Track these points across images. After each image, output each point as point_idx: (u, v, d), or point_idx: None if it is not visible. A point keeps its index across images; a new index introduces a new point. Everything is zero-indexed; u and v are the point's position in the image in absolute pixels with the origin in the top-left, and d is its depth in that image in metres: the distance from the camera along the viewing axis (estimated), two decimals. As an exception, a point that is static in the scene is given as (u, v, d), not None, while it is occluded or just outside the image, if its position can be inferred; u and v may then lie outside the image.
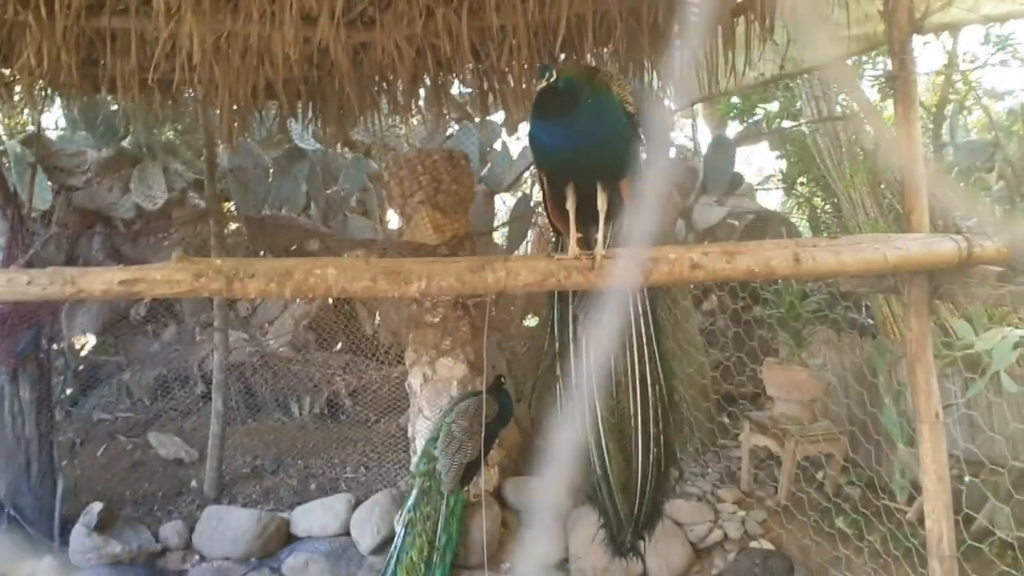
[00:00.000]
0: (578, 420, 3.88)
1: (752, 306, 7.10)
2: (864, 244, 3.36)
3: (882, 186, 6.99)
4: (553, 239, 3.83)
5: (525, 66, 4.86)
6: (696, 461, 6.68)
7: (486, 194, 8.15)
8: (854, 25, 4.33)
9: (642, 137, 3.28)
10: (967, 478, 4.45)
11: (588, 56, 4.81)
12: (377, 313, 8.51)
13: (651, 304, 3.65)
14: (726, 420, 7.05)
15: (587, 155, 3.08)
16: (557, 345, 3.89)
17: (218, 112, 5.26)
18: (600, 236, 3.20)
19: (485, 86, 5.29)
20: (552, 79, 2.92)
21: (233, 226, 7.47)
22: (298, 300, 8.12)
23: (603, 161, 3.14)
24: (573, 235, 3.24)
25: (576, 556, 5.44)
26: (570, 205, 3.25)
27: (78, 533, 5.37)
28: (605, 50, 4.96)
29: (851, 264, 3.31)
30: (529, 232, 8.27)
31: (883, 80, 7.52)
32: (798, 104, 8.34)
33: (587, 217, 3.31)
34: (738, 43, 4.56)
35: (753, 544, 5.46)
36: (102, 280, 2.86)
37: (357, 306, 8.25)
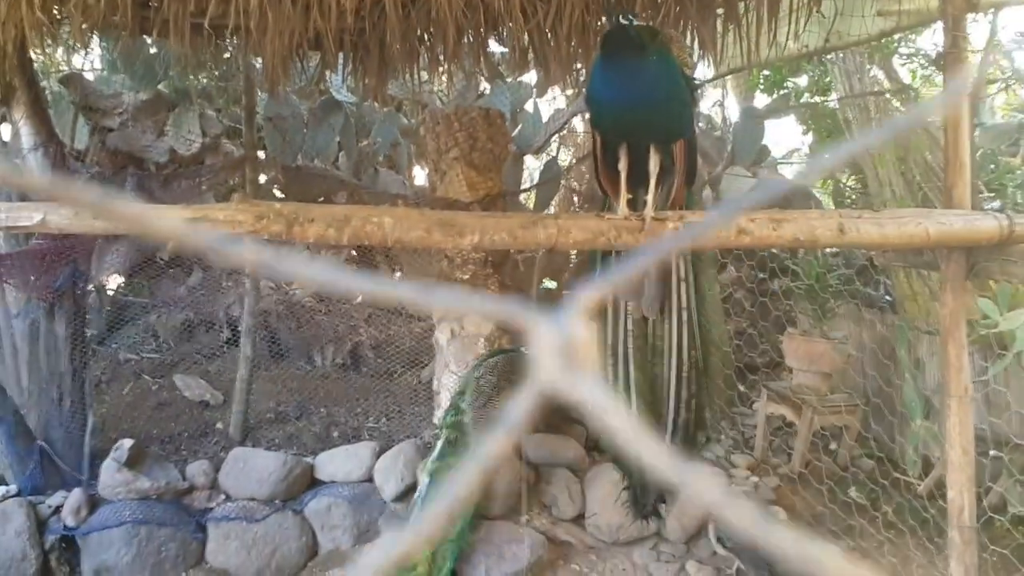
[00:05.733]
0: (610, 381, 3.97)
1: (776, 277, 7.16)
2: (907, 218, 3.42)
3: (911, 165, 7.01)
4: (579, 200, 3.88)
5: (570, 28, 4.87)
6: (711, 427, 6.79)
7: (515, 155, 8.17)
8: (906, 0, 4.34)
9: (698, 101, 3.34)
10: (991, 452, 4.55)
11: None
12: (398, 268, 8.59)
13: (694, 269, 3.73)
14: (743, 388, 7.14)
15: (645, 113, 3.12)
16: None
17: (261, 60, 5.30)
18: (650, 198, 3.26)
19: (526, 44, 5.30)
20: (631, 21, 2.95)
21: (262, 178, 7.55)
22: (321, 251, 8.20)
23: (659, 121, 3.19)
24: (624, 196, 3.29)
25: (592, 512, 5.56)
26: (622, 166, 3.30)
27: (108, 468, 5.48)
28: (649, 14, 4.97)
29: (893, 237, 3.37)
30: (555, 197, 8.31)
31: (918, 59, 7.50)
32: (828, 79, 8.33)
33: (637, 179, 3.36)
34: (782, 13, 4.58)
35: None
36: (168, 217, 2.93)
37: (380, 260, 8.33)
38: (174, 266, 8.13)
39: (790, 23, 4.54)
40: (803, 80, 9.16)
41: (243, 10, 4.10)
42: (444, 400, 5.78)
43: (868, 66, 7.26)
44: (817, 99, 8.65)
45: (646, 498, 4.08)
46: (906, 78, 8.17)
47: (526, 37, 5.22)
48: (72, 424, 5.69)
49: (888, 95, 7.29)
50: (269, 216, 2.97)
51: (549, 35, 5.15)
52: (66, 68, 7.19)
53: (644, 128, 3.21)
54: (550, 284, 8.20)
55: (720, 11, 4.87)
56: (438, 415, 5.86)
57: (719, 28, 4.98)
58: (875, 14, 4.55)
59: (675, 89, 3.15)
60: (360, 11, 4.76)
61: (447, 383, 5.88)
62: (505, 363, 5.26)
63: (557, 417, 6.42)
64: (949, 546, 3.70)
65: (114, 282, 8.10)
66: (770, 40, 4.68)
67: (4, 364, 5.83)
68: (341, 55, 5.52)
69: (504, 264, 6.14)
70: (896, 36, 6.76)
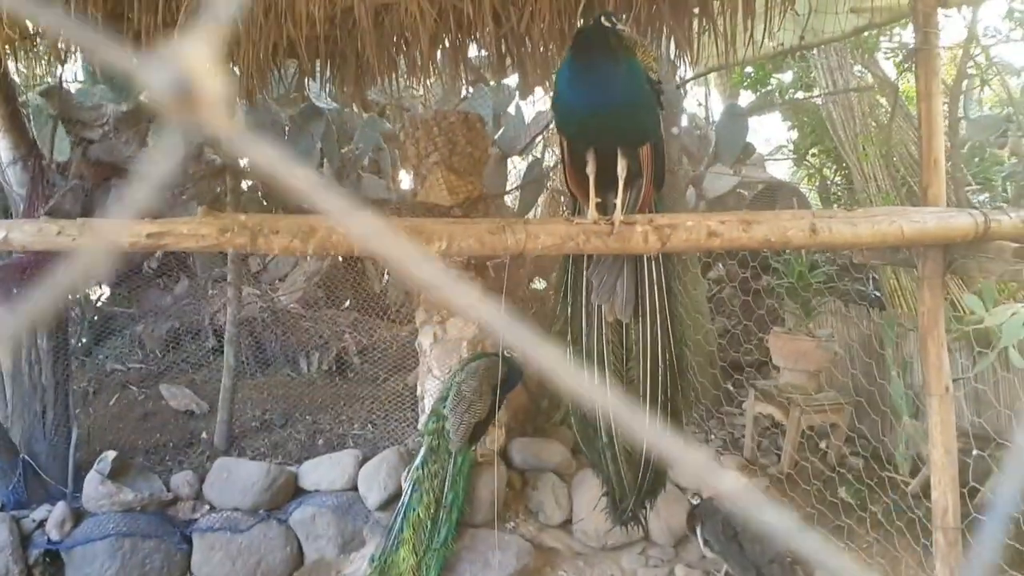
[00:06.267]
0: (586, 386, 3.92)
1: (761, 275, 7.13)
2: (880, 216, 3.39)
3: (895, 159, 7.00)
4: (565, 206, 3.85)
5: (544, 31, 4.85)
6: (700, 427, 6.76)
7: (499, 157, 8.15)
8: (877, -3, 4.31)
9: (663, 105, 3.30)
10: (974, 452, 4.52)
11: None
12: (386, 272, 8.57)
13: (665, 271, 3.69)
14: (731, 388, 7.12)
15: (610, 118, 3.10)
16: (569, 309, 3.92)
17: (238, 69, 5.26)
18: (619, 202, 3.22)
19: (503, 49, 5.28)
20: (614, 24, 2.92)
21: (244, 185, 7.51)
22: (308, 257, 8.18)
23: (625, 125, 3.16)
24: (592, 200, 3.26)
25: (579, 517, 5.53)
26: (590, 170, 3.27)
27: (92, 480, 5.46)
28: (624, 17, 4.94)
29: (867, 236, 3.34)
30: (540, 198, 8.29)
31: (902, 53, 7.48)
32: (812, 75, 8.31)
33: (606, 183, 3.33)
34: (758, 11, 4.55)
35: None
36: (130, 232, 2.89)
37: (367, 265, 8.30)
38: (160, 275, 8.11)
39: (766, 21, 4.51)
40: (788, 76, 9.14)
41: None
42: (428, 405, 5.76)
43: (851, 61, 7.24)
44: (801, 95, 8.62)
45: (624, 503, 4.02)
46: (891, 72, 8.14)
47: (502, 42, 5.20)
48: (56, 437, 5.67)
49: (870, 90, 7.26)
50: (233, 229, 2.93)
51: (525, 38, 5.12)
52: (48, 81, 7.14)
53: (610, 132, 3.18)
54: (539, 285, 8.18)
55: (696, 10, 4.84)
56: (422, 420, 5.83)
57: (695, 27, 4.95)
58: (848, 11, 4.53)
59: (641, 93, 3.12)
60: (333, 19, 4.73)
61: (431, 388, 5.86)
62: (486, 367, 5.23)
63: (543, 420, 6.40)
64: (934, 548, 3.67)
65: (99, 293, 8.06)
66: (746, 39, 4.65)
67: (-14, 378, 5.81)
68: (318, 62, 5.48)
69: (486, 267, 6.11)
70: (874, 32, 6.74)
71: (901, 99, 7.22)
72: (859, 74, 7.52)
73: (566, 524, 5.60)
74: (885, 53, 8.04)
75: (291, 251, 3.06)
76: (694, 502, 4.92)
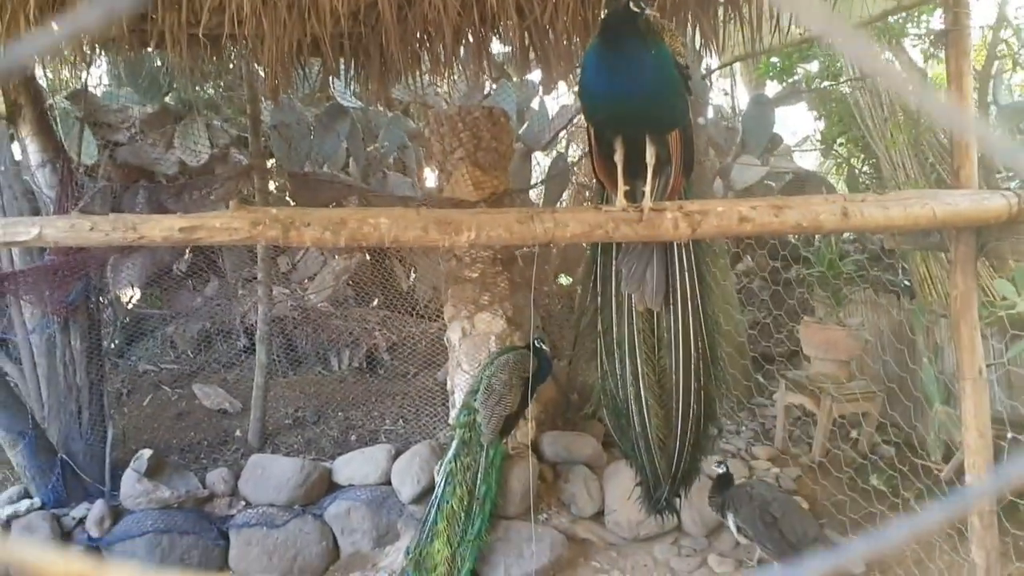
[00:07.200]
0: (618, 376, 3.92)
1: (791, 265, 7.09)
2: (912, 199, 3.37)
3: (923, 147, 6.92)
4: (589, 195, 3.83)
5: (568, 23, 4.84)
6: (731, 419, 6.74)
7: (523, 152, 8.16)
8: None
9: (691, 90, 3.29)
10: (1009, 435, 4.47)
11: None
12: (413, 269, 8.62)
13: (696, 258, 3.68)
14: (761, 379, 7.09)
15: (639, 104, 3.08)
16: (599, 300, 3.92)
17: (263, 68, 5.32)
18: (648, 189, 3.22)
19: (526, 42, 5.28)
20: (643, 10, 2.88)
21: (272, 185, 7.58)
22: (336, 256, 8.23)
23: (654, 111, 3.14)
24: (621, 187, 3.26)
25: (612, 509, 5.53)
26: (618, 158, 3.26)
27: (128, 478, 5.54)
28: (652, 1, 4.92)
29: (899, 219, 3.32)
30: (564, 193, 8.28)
31: (931, 37, 7.39)
32: (839, 64, 8.23)
33: (634, 170, 3.33)
34: (784, -2, 4.53)
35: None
36: (162, 227, 2.94)
37: (394, 263, 8.35)
38: (190, 276, 8.20)
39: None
40: (814, 66, 9.06)
41: (237, 19, 4.11)
42: (459, 400, 5.78)
43: (877, 48, 7.16)
44: (828, 84, 8.54)
45: (658, 492, 4.02)
46: (917, 59, 8.04)
47: (526, 35, 5.20)
48: (92, 436, 5.75)
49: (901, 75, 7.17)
50: (265, 222, 2.97)
51: (548, 31, 5.12)
52: (74, 85, 7.25)
53: (639, 118, 3.16)
54: (566, 280, 8.18)
55: (721, -1, 4.83)
56: (453, 415, 5.85)
57: (720, 15, 4.94)
58: (876, -6, 4.50)
59: (670, 78, 3.10)
60: (357, 15, 4.77)
61: (460, 383, 5.87)
62: (516, 360, 5.24)
63: (573, 413, 6.40)
64: (970, 531, 3.64)
65: (131, 295, 8.17)
66: (772, 26, 4.63)
67: (24, 379, 5.90)
68: (342, 60, 5.52)
69: (513, 261, 6.12)
70: (904, 16, 6.67)
71: (929, 85, 7.14)
72: (886, 61, 7.43)
73: (598, 516, 5.59)
74: (912, 40, 7.95)
75: (323, 243, 3.09)
76: (719, 470, 4.87)
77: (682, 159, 3.37)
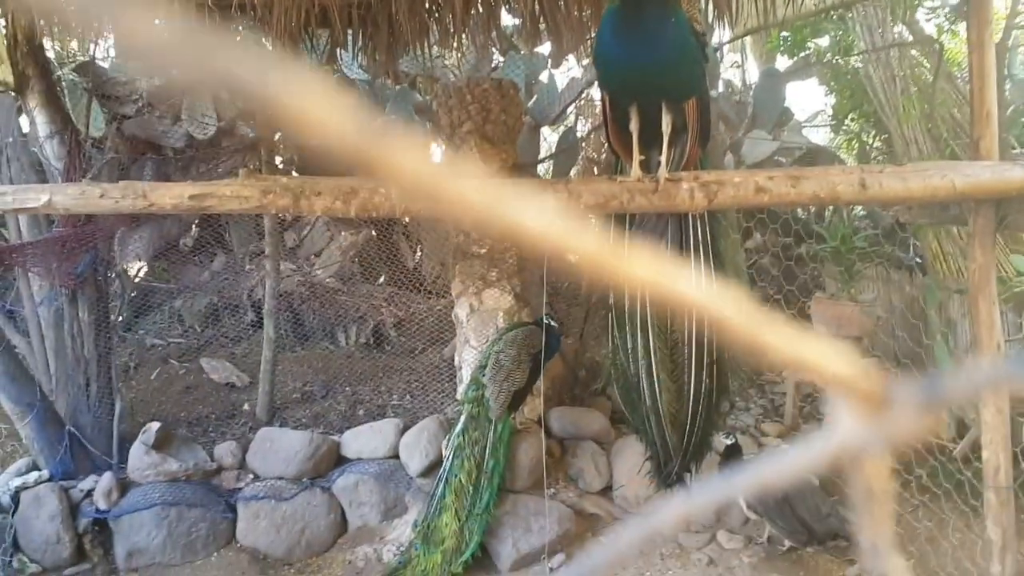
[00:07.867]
0: (629, 351, 3.90)
1: (803, 241, 7.03)
2: (931, 171, 3.31)
3: (937, 121, 6.82)
4: (597, 171, 3.79)
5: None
6: (740, 395, 6.71)
7: (531, 127, 8.08)
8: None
9: (708, 58, 3.23)
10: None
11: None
12: (420, 246, 8.57)
13: (711, 231, 3.63)
14: (771, 355, 7.02)
15: (654, 71, 3.02)
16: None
17: (271, 39, 5.25)
18: (663, 158, 3.16)
19: (536, 12, 5.21)
20: None
21: (278, 159, 7.52)
22: (343, 232, 8.19)
23: (670, 79, 3.08)
24: (636, 157, 3.21)
25: (620, 484, 5.52)
26: (634, 127, 3.21)
27: (137, 451, 5.53)
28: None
29: (918, 190, 3.27)
30: (573, 169, 8.21)
31: (943, 13, 7.27)
32: (851, 37, 8.12)
33: (649, 140, 3.27)
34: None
35: (797, 478, 5.48)
36: (172, 194, 2.90)
37: (400, 240, 8.31)
38: (197, 251, 8.17)
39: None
40: (825, 41, 8.94)
41: (245, -14, 4.05)
42: (466, 375, 5.75)
43: (891, 20, 7.05)
44: (839, 59, 8.43)
45: (669, 467, 4.01)
46: (931, 32, 7.92)
47: (536, 6, 5.13)
48: (100, 409, 5.74)
49: (915, 45, 7.07)
50: (275, 190, 2.94)
51: (560, 2, 5.06)
52: (82, 56, 7.18)
53: (655, 87, 3.10)
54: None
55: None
56: (460, 390, 5.83)
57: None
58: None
59: (687, 45, 3.03)
60: (367, -17, 4.71)
61: (468, 358, 5.84)
62: (524, 336, 5.21)
63: (580, 390, 6.38)
64: (985, 507, 3.62)
65: (138, 268, 8.14)
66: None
67: (32, 351, 5.88)
68: (350, 32, 5.46)
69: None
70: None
71: (943, 60, 7.03)
72: (899, 35, 7.31)
73: (606, 491, 5.59)
74: (927, 13, 7.83)
75: (333, 212, 3.05)
76: (727, 441, 4.85)
77: (699, 128, 3.32)
